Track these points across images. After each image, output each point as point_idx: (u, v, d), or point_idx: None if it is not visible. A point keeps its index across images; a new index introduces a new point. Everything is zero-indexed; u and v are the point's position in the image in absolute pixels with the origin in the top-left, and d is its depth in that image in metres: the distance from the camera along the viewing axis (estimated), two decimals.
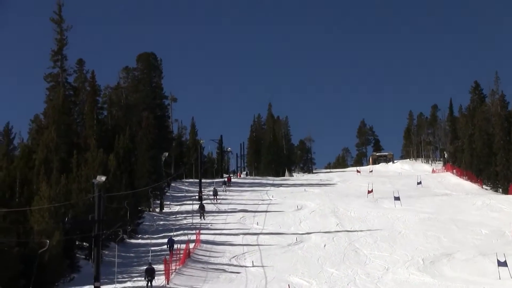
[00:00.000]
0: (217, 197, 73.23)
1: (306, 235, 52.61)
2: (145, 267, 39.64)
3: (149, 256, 44.69)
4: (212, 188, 76.09)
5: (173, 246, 47.39)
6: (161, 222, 60.66)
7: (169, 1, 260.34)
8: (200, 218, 61.26)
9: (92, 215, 35.42)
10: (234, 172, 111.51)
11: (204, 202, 66.97)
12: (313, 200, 69.21)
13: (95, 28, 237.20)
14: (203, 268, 43.39)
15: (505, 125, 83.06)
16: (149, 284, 38.47)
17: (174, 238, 49.18)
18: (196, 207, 63.80)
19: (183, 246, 46.36)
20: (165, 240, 49.51)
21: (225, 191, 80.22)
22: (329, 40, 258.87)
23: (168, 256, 43.33)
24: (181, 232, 53.52)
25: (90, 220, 35.58)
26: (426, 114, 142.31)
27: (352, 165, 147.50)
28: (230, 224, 57.87)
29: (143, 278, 39.04)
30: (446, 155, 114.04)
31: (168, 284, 38.73)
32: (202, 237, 51.35)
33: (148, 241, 51.91)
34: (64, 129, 57.12)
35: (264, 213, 62.28)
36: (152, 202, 66.89)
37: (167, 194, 73.84)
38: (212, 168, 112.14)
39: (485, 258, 42.63)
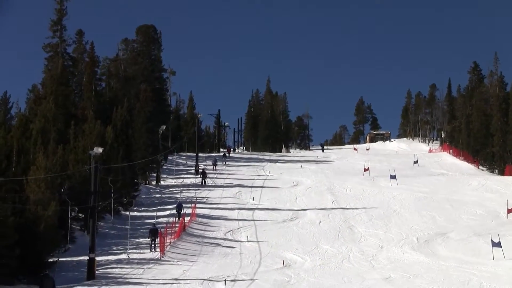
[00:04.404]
0: (216, 167, 74.58)
1: (301, 211, 52.70)
2: (149, 228, 41.87)
3: (143, 228, 45.37)
4: (212, 159, 77.89)
5: (182, 210, 49.18)
6: (157, 195, 60.75)
7: None
8: (202, 184, 63.19)
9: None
10: (234, 149, 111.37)
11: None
12: (309, 176, 69.20)
13: None
14: (198, 242, 43.51)
15: (503, 106, 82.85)
16: (153, 243, 40.27)
17: (182, 202, 51.11)
18: (198, 180, 65.09)
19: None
20: (162, 213, 50.03)
21: (225, 163, 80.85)
22: (329, 16, 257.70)
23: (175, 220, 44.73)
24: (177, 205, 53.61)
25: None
26: (425, 94, 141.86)
27: (349, 143, 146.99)
28: (226, 199, 57.99)
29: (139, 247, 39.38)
30: (443, 135, 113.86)
31: (162, 257, 38.83)
32: (198, 211, 51.45)
33: (144, 213, 52.20)
34: (62, 100, 57.13)
35: (260, 188, 62.35)
36: (148, 174, 67.00)
37: (163, 167, 73.90)
38: (210, 142, 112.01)
39: (480, 238, 42.70)
